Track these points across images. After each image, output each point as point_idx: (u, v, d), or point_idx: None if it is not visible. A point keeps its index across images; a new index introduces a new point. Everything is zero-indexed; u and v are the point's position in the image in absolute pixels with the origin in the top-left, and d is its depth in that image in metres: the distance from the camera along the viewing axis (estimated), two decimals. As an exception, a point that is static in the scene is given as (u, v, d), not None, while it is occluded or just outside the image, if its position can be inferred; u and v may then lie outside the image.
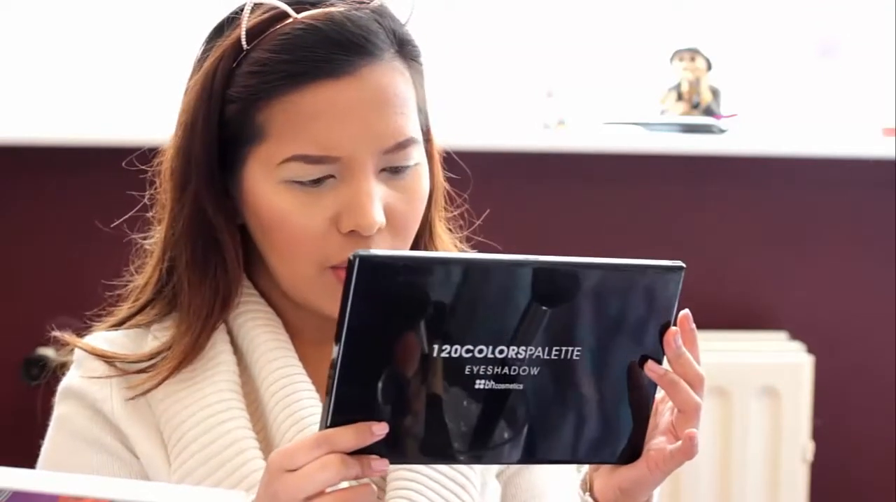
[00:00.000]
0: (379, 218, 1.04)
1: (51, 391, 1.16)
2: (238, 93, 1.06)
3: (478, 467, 1.10)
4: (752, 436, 2.22)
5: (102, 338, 1.14)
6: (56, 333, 1.15)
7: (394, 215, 1.07)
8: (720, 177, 2.35)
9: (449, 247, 1.18)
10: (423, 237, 1.15)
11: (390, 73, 1.06)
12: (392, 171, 1.07)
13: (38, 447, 1.15)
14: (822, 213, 2.37)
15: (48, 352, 2.17)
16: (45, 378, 1.18)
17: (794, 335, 2.34)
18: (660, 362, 0.98)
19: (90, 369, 1.11)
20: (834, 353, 2.36)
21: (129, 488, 0.72)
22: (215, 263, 1.11)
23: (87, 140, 2.16)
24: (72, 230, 2.23)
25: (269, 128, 1.05)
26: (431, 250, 1.16)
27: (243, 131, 1.07)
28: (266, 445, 1.07)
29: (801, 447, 2.23)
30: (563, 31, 2.38)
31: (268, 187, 1.06)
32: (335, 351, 0.92)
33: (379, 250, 1.02)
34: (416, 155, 1.08)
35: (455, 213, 1.21)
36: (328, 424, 0.92)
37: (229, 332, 1.12)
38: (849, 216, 2.37)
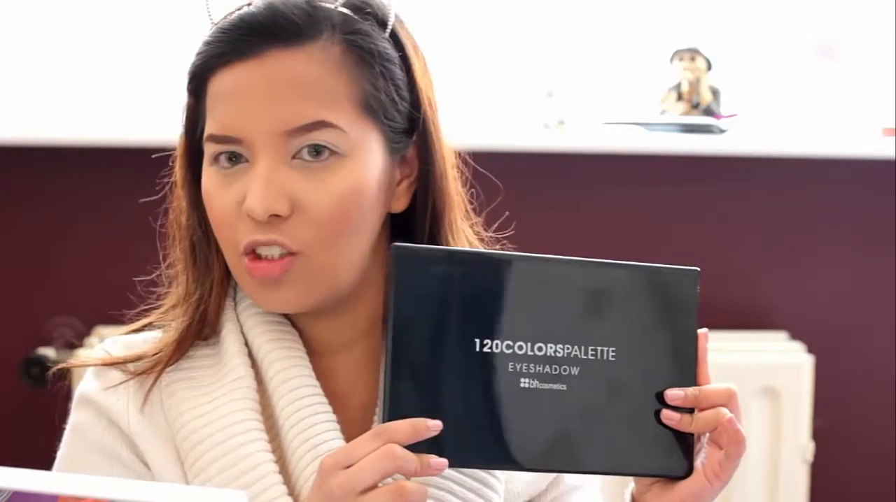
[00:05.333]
0: (270, 203, 1.02)
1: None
2: (190, 74, 1.08)
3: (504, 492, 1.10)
4: (752, 436, 2.21)
5: (122, 343, 1.14)
6: (68, 360, 1.16)
7: (306, 206, 1.03)
8: (720, 177, 2.35)
9: None
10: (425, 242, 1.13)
11: (305, 60, 1.03)
12: (308, 160, 1.04)
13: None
14: (822, 213, 2.37)
15: (48, 351, 2.17)
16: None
17: (794, 335, 2.34)
18: (692, 371, 1.01)
19: (107, 379, 1.11)
20: (834, 353, 2.36)
21: (129, 488, 0.72)
22: (204, 243, 1.12)
23: (87, 140, 2.16)
24: (72, 230, 2.22)
25: (206, 109, 1.07)
26: None
27: (200, 113, 1.08)
28: (282, 467, 1.07)
29: (801, 447, 2.23)
30: (563, 31, 2.37)
31: (205, 168, 1.08)
32: (385, 344, 0.94)
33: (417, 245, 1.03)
34: (338, 144, 1.04)
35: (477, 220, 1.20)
36: (385, 420, 0.93)
37: (247, 344, 1.11)
38: (849, 216, 2.37)
